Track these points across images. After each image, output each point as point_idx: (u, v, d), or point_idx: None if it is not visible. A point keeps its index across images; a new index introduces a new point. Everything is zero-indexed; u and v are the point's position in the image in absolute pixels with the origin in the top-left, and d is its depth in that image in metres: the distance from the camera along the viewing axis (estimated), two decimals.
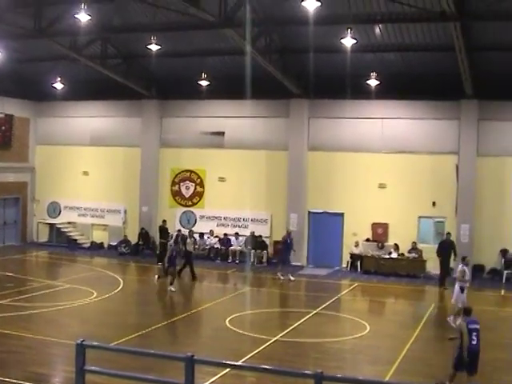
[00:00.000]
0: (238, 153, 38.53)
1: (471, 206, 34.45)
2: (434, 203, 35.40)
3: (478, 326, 15.92)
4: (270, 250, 37.75)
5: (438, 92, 33.90)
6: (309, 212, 37.37)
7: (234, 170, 38.69)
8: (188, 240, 32.30)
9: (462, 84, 32.65)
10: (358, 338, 21.58)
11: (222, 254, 37.94)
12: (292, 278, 32.36)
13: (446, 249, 31.78)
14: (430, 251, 34.85)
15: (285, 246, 33.60)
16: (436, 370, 18.17)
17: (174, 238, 32.27)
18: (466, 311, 16.59)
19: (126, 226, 41.08)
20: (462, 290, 23.36)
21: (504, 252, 34.42)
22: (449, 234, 32.65)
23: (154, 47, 31.45)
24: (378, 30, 31.45)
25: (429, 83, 33.52)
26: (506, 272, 33.74)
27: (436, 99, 34.82)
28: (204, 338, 22.07)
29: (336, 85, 34.12)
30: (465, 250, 33.09)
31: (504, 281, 33.50)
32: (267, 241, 37.77)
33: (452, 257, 31.87)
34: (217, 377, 15.73)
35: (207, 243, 38.42)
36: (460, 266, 24.38)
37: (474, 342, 15.65)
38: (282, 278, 32.41)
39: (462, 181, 34.54)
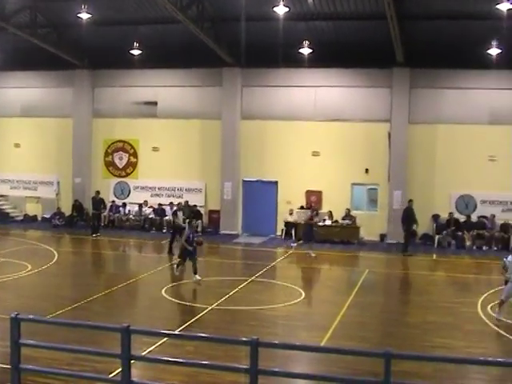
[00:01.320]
0: (172, 122, 38.40)
1: (403, 173, 35.05)
2: (366, 170, 35.90)
3: None
4: (205, 219, 37.83)
5: (371, 60, 34.19)
6: (243, 180, 37.52)
7: (168, 139, 38.57)
8: (179, 213, 31.62)
9: (393, 52, 33.03)
10: (294, 304, 21.76)
11: (156, 224, 37.88)
12: (313, 255, 30.86)
13: (408, 215, 32.26)
14: (363, 218, 35.50)
15: (309, 224, 31.85)
16: (371, 334, 18.51)
17: (176, 215, 31.67)
18: None
19: (60, 198, 40.68)
20: (505, 282, 20.60)
21: (436, 217, 35.21)
22: (411, 201, 33.03)
23: (84, 16, 30.99)
24: None
25: (361, 51, 33.72)
26: (437, 237, 34.52)
27: (368, 67, 35.21)
28: (140, 309, 22.03)
29: (269, 53, 34.16)
30: (397, 215, 33.79)
31: (436, 245, 34.28)
32: (202, 210, 37.81)
33: (414, 225, 32.66)
34: (154, 346, 15.74)
35: (142, 213, 38.25)
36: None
37: None
38: (313, 255, 30.82)
39: (394, 148, 35.07)
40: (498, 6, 27.18)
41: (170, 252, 30.46)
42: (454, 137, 35.10)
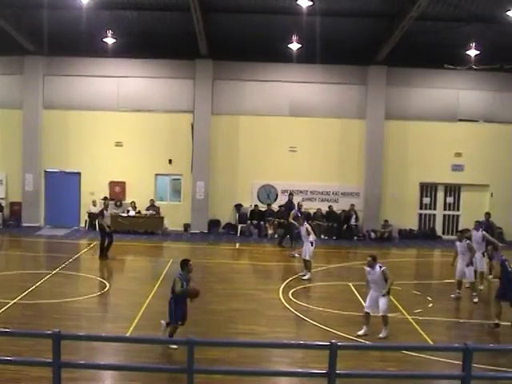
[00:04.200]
0: None
1: (206, 164, 35.62)
2: (170, 161, 36.16)
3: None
4: (6, 211, 36.73)
5: (175, 51, 34.49)
6: (45, 171, 36.68)
7: None
8: (105, 213, 28.98)
9: (197, 44, 33.37)
10: (98, 296, 21.69)
11: None
12: (297, 255, 29.16)
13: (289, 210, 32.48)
14: (167, 208, 35.75)
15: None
16: None
17: (102, 216, 28.78)
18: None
19: None
20: (311, 244, 25.39)
21: (238, 207, 35.94)
22: (291, 194, 33.62)
23: None
24: None
25: (165, 42, 33.96)
26: (240, 226, 35.31)
27: (172, 58, 35.40)
28: None
29: (72, 42, 33.62)
30: (200, 205, 34.45)
31: (238, 234, 35.07)
32: (3, 202, 36.69)
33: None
34: None
35: None
36: None
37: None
38: (297, 255, 29.19)
39: (197, 139, 35.56)
40: (298, 2, 28.07)
41: (102, 255, 28.28)
42: (256, 128, 36.05)
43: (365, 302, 18.53)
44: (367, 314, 18.16)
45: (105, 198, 31.34)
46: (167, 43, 34.01)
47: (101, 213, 29.17)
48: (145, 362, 14.50)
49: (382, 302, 17.82)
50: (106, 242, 28.56)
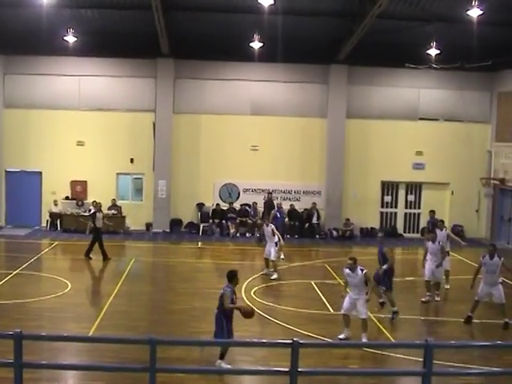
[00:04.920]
0: None
1: (168, 163, 35.52)
2: (132, 160, 35.96)
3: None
4: None
5: (136, 50, 34.33)
6: (6, 171, 36.32)
7: None
8: (98, 214, 28.76)
9: (158, 43, 33.27)
10: (60, 296, 21.54)
11: None
12: (283, 257, 28.01)
13: (271, 207, 32.54)
14: (129, 207, 35.62)
15: (278, 222, 29.80)
16: (138, 322, 18.71)
17: (95, 216, 28.52)
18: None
19: None
20: (276, 244, 25.65)
21: (200, 206, 35.89)
22: (270, 193, 33.96)
23: None
24: None
25: (127, 41, 33.74)
26: (202, 225, 35.27)
27: (133, 57, 35.24)
28: None
29: (32, 41, 33.23)
30: (162, 204, 34.45)
31: (201, 233, 35.01)
32: None
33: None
34: None
35: None
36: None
37: None
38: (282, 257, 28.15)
39: (158, 138, 35.45)
40: (259, 1, 28.05)
41: (87, 255, 28.18)
42: (218, 127, 36.02)
43: (342, 304, 18.28)
44: (346, 316, 18.00)
45: (96, 203, 30.82)
46: (129, 42, 33.84)
47: (93, 215, 28.87)
48: (107, 362, 14.44)
49: (361, 304, 17.64)
50: (91, 242, 28.40)
